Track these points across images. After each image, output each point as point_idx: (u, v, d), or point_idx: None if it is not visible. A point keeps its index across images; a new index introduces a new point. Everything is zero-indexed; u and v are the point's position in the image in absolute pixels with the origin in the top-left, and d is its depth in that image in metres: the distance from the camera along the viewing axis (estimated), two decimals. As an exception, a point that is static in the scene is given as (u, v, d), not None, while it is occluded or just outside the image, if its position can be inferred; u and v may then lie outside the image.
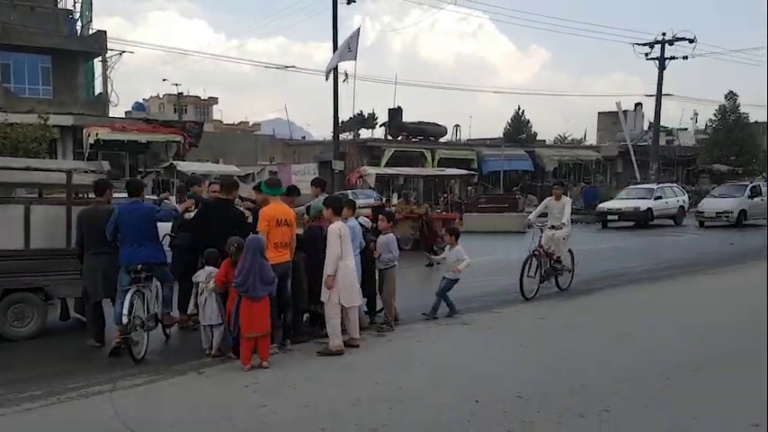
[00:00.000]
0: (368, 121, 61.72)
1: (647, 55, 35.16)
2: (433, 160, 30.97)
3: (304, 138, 46.51)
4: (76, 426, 4.94)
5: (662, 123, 38.76)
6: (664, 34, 34.49)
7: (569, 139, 54.63)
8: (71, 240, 7.46)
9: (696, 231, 22.30)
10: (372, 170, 17.34)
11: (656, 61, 34.70)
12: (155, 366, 6.35)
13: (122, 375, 6.03)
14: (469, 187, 25.84)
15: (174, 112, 59.78)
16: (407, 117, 36.55)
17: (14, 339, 7.27)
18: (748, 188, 24.00)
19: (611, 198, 26.29)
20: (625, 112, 42.00)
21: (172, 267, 7.41)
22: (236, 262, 6.33)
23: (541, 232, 10.31)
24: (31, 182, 7.72)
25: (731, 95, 37.63)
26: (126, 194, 7.10)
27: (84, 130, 21.69)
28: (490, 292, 10.55)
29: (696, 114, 51.10)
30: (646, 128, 45.91)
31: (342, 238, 6.75)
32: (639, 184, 28.54)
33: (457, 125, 47.08)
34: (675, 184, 28.18)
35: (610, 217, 23.50)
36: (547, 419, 4.87)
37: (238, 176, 16.04)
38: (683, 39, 34.36)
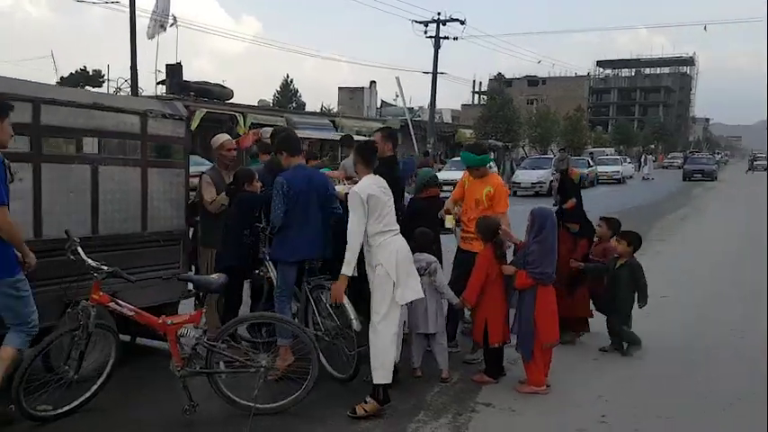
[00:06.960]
0: (93, 77, 53.98)
1: (425, 33, 37.34)
2: (244, 124, 28.54)
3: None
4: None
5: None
6: (439, 14, 36.79)
7: (332, 110, 55.15)
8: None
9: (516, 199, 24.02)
10: (273, 132, 15.15)
11: (433, 40, 37.02)
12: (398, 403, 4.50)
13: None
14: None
15: None
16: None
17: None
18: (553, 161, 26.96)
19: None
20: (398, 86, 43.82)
21: None
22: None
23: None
24: (93, 127, 4.93)
25: (500, 77, 41.66)
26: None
27: None
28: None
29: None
30: (378, 105, 48.79)
31: None
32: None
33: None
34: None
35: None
36: None
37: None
38: (456, 20, 37.17)
